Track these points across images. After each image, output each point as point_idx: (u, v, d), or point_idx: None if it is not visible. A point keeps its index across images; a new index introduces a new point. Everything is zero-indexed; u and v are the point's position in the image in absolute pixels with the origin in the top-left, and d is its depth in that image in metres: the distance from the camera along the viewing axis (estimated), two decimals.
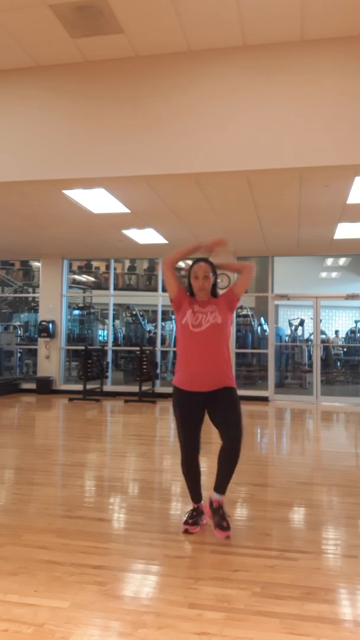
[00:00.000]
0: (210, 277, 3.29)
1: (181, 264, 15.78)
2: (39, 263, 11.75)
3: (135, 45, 4.72)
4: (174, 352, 12.96)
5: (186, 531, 3.23)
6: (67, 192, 6.40)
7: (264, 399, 10.31)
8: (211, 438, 3.37)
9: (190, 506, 3.43)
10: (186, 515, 3.36)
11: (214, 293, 3.36)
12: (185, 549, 3.00)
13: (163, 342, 12.47)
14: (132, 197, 6.72)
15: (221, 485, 3.21)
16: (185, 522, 3.30)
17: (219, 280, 3.49)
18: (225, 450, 3.18)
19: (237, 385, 3.37)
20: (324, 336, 14.91)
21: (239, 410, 3.22)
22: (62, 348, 11.35)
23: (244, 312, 12.57)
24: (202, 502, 3.38)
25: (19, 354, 12.73)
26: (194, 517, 3.31)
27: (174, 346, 12.92)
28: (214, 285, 3.35)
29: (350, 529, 3.35)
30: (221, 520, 3.16)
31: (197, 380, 3.19)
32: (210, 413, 3.24)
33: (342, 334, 15.86)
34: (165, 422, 7.75)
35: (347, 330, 15.73)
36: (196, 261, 3.33)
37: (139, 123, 4.87)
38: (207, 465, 3.58)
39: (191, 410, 3.23)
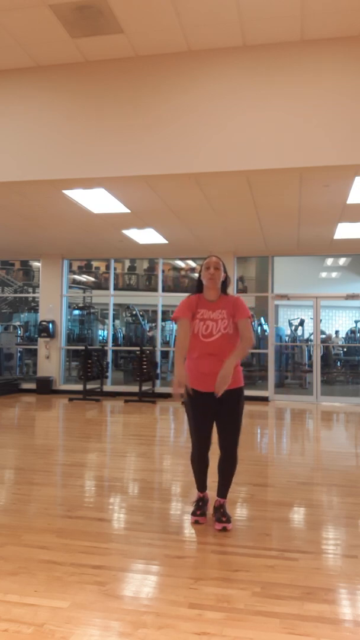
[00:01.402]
0: (221, 269, 3.30)
1: (181, 263, 15.79)
2: (39, 263, 11.75)
3: (135, 45, 4.72)
4: (174, 353, 12.93)
5: (196, 522, 3.36)
6: (67, 192, 6.40)
7: (264, 399, 10.31)
8: (215, 436, 3.37)
9: (194, 497, 3.55)
10: (193, 506, 3.47)
11: (223, 290, 3.37)
12: (185, 549, 3.00)
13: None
14: (132, 197, 6.72)
15: (223, 491, 3.38)
16: (194, 513, 3.41)
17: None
18: (222, 461, 3.32)
19: None
20: (323, 336, 14.91)
21: (240, 417, 3.27)
22: (62, 348, 11.35)
23: None
24: (207, 491, 3.50)
25: (19, 354, 12.73)
26: (201, 508, 3.42)
27: (174, 346, 12.91)
28: (224, 283, 3.36)
29: (350, 529, 3.35)
30: (221, 516, 3.29)
31: (208, 382, 3.21)
32: (216, 413, 3.30)
33: (342, 334, 15.86)
34: (165, 422, 7.75)
35: (347, 330, 15.74)
36: (209, 256, 3.36)
37: (139, 123, 4.87)
38: (212, 466, 3.57)
39: (203, 407, 3.27)
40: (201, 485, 3.48)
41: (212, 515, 3.43)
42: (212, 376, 3.20)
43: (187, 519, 3.50)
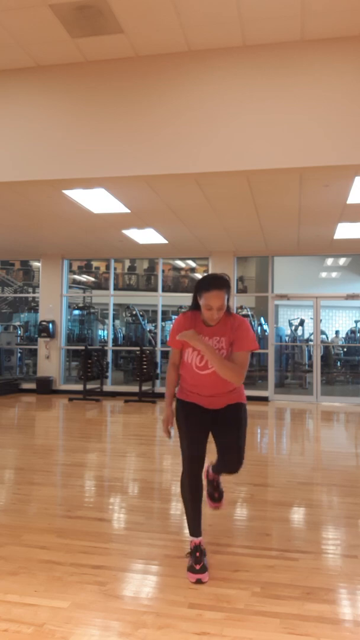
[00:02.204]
0: (225, 305, 2.66)
1: (181, 263, 15.79)
2: (39, 263, 11.75)
3: (135, 45, 4.72)
4: None
5: (198, 581, 2.58)
6: (67, 192, 6.40)
7: (264, 399, 10.31)
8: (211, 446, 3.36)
9: (187, 545, 2.97)
10: (190, 560, 2.70)
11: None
12: (186, 549, 2.99)
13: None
14: (132, 197, 6.72)
15: (217, 471, 3.02)
16: (191, 569, 2.63)
17: None
18: (226, 463, 2.91)
19: None
20: (324, 336, 14.91)
21: (243, 430, 2.83)
22: (62, 348, 11.35)
23: (244, 312, 12.58)
24: (202, 537, 2.79)
25: (19, 354, 12.73)
26: (201, 561, 2.65)
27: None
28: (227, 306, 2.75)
29: (350, 529, 3.35)
30: (214, 490, 3.04)
31: (204, 402, 2.83)
32: (213, 428, 2.86)
33: (342, 334, 15.85)
34: None
35: (347, 330, 15.73)
36: (209, 286, 2.62)
37: (139, 123, 4.87)
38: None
39: (197, 414, 2.82)
40: (194, 526, 2.74)
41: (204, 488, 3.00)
42: (209, 400, 2.82)
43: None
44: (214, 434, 2.87)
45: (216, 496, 3.08)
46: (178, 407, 2.89)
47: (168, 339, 2.87)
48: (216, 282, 2.62)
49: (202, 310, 2.70)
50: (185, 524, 2.99)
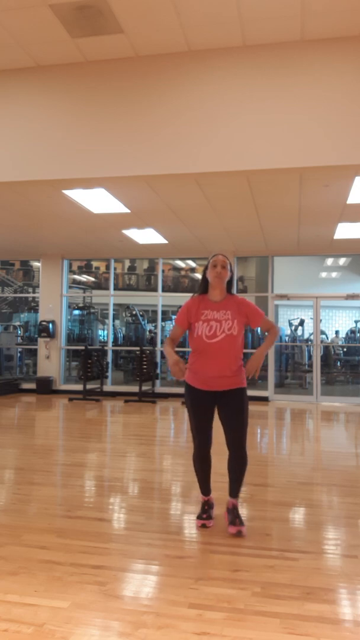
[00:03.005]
0: (227, 268, 3.26)
1: (181, 263, 15.79)
2: (39, 263, 11.75)
3: (135, 45, 4.72)
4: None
5: (203, 525, 3.31)
6: (67, 192, 6.40)
7: (264, 399, 10.31)
8: (219, 437, 3.37)
9: (198, 500, 3.55)
10: (199, 511, 3.43)
11: (228, 289, 3.33)
12: (185, 549, 3.00)
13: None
14: (132, 197, 6.72)
15: (233, 491, 3.32)
16: (200, 517, 3.37)
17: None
18: (231, 460, 3.26)
19: None
20: (323, 336, 14.91)
21: (245, 415, 3.24)
22: (62, 348, 11.35)
23: None
24: (212, 494, 3.47)
25: (19, 354, 12.73)
26: (207, 511, 3.39)
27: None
28: (229, 282, 3.32)
29: (350, 529, 3.35)
30: (234, 518, 3.25)
31: (210, 383, 3.22)
32: (220, 412, 3.28)
33: (341, 334, 15.85)
34: (165, 422, 7.75)
35: (347, 330, 15.73)
36: (216, 254, 3.33)
37: (139, 123, 4.87)
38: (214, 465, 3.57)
39: (204, 406, 3.25)
40: (205, 488, 3.42)
41: (224, 515, 3.40)
42: (215, 379, 3.21)
43: (187, 518, 3.50)
44: (220, 414, 3.27)
45: (237, 522, 3.23)
46: (186, 390, 3.31)
47: (175, 317, 3.39)
48: (220, 253, 3.34)
49: (210, 277, 3.24)
50: (186, 523, 3.42)
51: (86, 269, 16.64)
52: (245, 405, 3.25)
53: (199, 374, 3.24)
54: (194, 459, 3.36)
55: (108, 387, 11.19)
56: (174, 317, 13.57)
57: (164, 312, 11.84)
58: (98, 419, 7.90)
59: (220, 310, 3.22)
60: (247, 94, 4.71)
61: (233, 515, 3.27)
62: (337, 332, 15.92)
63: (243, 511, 3.65)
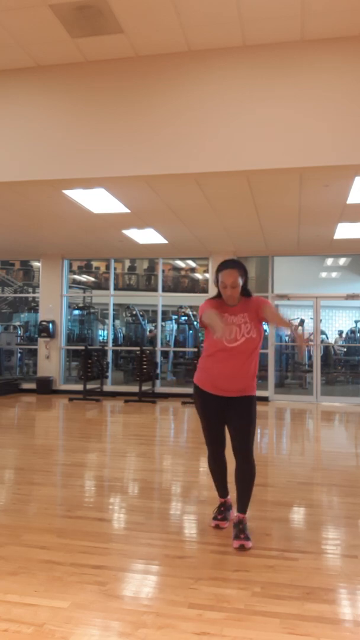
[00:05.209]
0: (240, 283, 3.08)
1: (181, 264, 15.78)
2: (39, 263, 11.75)
3: (135, 45, 4.72)
4: (174, 353, 12.95)
5: (217, 526, 3.30)
6: (67, 192, 6.40)
7: (264, 399, 10.31)
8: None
9: (216, 501, 3.49)
10: (214, 511, 3.41)
11: (243, 292, 3.17)
12: (185, 549, 3.00)
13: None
14: (132, 197, 6.72)
15: (242, 505, 3.15)
16: (215, 518, 3.35)
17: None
18: (238, 470, 3.14)
19: None
20: (324, 336, 14.90)
21: (252, 421, 3.14)
22: (62, 348, 11.35)
23: None
24: (229, 496, 3.42)
25: (19, 354, 12.73)
26: (223, 513, 3.36)
27: (174, 346, 12.91)
28: (244, 287, 3.14)
29: (350, 529, 3.35)
30: (240, 532, 3.07)
31: (220, 388, 3.15)
32: (227, 419, 3.21)
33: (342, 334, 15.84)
34: (165, 422, 7.75)
35: (347, 330, 15.72)
36: (223, 266, 3.10)
37: (139, 123, 4.87)
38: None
39: (213, 409, 3.20)
40: (222, 490, 3.38)
41: (231, 519, 3.29)
42: (226, 385, 3.12)
43: (187, 518, 3.50)
44: (227, 421, 3.21)
45: (241, 537, 3.03)
46: (195, 392, 3.26)
47: (199, 313, 3.16)
48: (228, 263, 3.12)
49: (221, 292, 3.12)
50: (185, 524, 3.43)
51: (86, 269, 16.64)
52: (254, 413, 3.16)
53: (209, 376, 3.17)
54: (209, 460, 3.34)
55: (108, 387, 11.19)
56: (174, 317, 13.56)
57: (164, 312, 11.84)
58: (98, 419, 7.90)
59: (237, 315, 3.13)
60: (247, 94, 4.71)
61: (238, 529, 3.07)
62: (340, 332, 15.91)
63: None
